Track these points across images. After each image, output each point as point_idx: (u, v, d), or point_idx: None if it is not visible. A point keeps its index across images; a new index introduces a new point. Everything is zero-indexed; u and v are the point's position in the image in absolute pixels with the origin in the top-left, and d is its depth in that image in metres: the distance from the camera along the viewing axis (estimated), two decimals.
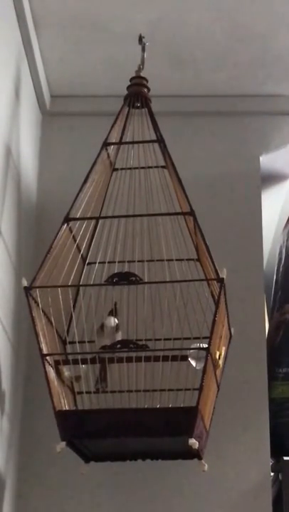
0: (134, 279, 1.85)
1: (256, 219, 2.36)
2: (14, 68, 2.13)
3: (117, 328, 1.93)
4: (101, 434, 1.77)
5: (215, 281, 1.83)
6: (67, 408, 1.83)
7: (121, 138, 2.03)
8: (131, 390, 1.92)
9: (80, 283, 1.97)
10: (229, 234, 2.32)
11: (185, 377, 1.87)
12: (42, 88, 2.37)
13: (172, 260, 1.91)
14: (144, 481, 2.13)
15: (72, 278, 1.90)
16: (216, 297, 1.82)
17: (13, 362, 2.08)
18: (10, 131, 2.07)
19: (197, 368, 1.83)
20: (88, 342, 1.91)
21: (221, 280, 1.80)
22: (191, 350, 1.86)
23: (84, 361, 1.87)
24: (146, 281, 1.88)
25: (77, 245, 1.95)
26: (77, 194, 1.93)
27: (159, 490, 2.14)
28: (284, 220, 2.50)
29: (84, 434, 1.79)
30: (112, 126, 2.02)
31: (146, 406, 1.89)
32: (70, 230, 1.93)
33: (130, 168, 2.03)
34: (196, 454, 1.84)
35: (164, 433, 1.75)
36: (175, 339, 1.88)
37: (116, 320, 1.93)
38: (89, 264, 2.00)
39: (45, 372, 1.79)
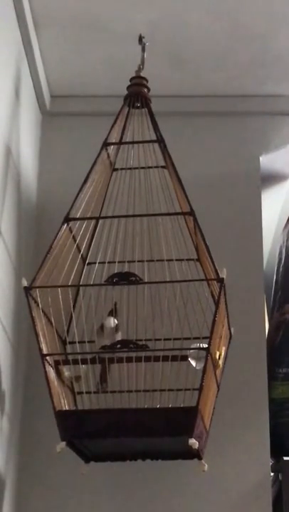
0: (134, 279, 1.85)
1: (256, 219, 2.36)
2: (14, 68, 2.13)
3: (116, 328, 1.93)
4: (101, 434, 1.77)
5: (215, 281, 1.83)
6: (67, 408, 1.83)
7: (121, 138, 2.03)
8: (131, 390, 1.92)
9: (80, 283, 1.97)
10: (229, 234, 2.32)
11: (185, 377, 1.87)
12: (42, 88, 2.37)
13: (172, 260, 1.91)
14: (144, 481, 2.13)
15: (72, 278, 1.90)
16: (216, 297, 1.82)
17: (13, 362, 2.08)
18: (10, 131, 2.07)
19: (197, 368, 1.83)
20: (88, 342, 1.91)
21: (220, 280, 1.80)
22: (191, 350, 1.86)
23: (84, 361, 1.87)
24: (146, 281, 1.88)
25: (77, 245, 1.95)
26: (77, 194, 1.93)
27: (159, 490, 2.14)
28: (284, 220, 2.50)
29: (84, 434, 1.79)
30: (112, 126, 2.02)
31: (146, 406, 1.89)
32: (70, 230, 1.93)
33: (130, 168, 2.03)
34: (196, 454, 1.84)
35: (164, 433, 1.75)
36: (175, 339, 1.88)
37: (116, 320, 1.93)
38: (89, 264, 2.00)
39: (45, 372, 1.79)
